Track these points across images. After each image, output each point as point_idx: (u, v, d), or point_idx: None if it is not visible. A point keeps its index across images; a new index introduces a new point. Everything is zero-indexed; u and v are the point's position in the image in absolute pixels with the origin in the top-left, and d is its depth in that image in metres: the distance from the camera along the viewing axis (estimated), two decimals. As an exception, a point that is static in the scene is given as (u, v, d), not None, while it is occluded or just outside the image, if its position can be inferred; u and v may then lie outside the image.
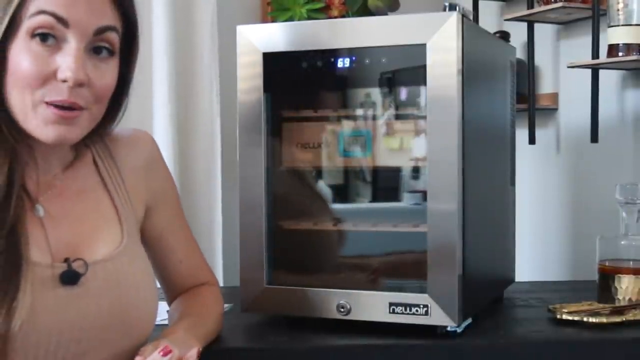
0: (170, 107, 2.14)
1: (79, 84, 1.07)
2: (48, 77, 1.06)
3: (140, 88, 2.15)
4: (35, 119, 1.07)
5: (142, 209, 1.26)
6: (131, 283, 1.14)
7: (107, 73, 1.12)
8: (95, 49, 1.10)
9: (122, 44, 1.14)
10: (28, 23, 1.05)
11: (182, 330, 1.18)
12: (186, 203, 2.17)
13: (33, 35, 1.06)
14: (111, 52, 1.12)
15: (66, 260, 1.09)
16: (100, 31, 1.09)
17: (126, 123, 2.23)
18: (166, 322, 1.32)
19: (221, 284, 2.14)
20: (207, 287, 1.35)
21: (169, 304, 1.35)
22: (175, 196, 1.34)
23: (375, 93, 1.45)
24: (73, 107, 1.08)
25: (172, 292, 1.34)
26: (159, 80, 2.14)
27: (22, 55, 1.06)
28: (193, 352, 1.10)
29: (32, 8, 1.05)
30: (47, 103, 1.07)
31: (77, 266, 1.10)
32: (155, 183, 1.28)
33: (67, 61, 1.06)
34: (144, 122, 2.14)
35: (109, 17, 1.11)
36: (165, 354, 1.07)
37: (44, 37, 1.06)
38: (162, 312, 1.36)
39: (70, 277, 1.09)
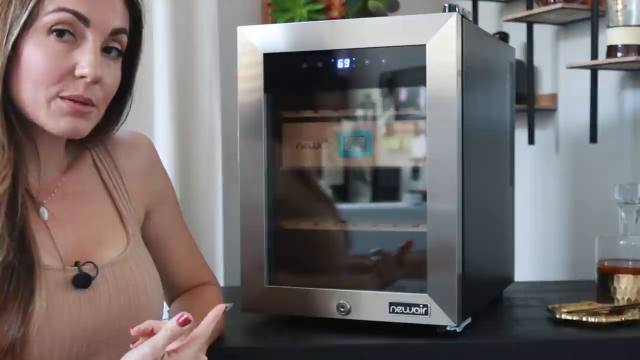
0: (171, 107, 2.14)
1: (95, 81, 1.08)
2: (65, 74, 1.07)
3: (141, 89, 2.16)
4: (49, 112, 1.07)
5: (142, 211, 1.26)
6: (139, 285, 1.15)
7: (115, 73, 1.13)
8: (106, 48, 1.11)
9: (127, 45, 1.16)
10: (46, 19, 1.05)
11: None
12: (187, 203, 2.18)
13: (50, 31, 1.06)
14: (119, 53, 1.13)
15: (76, 263, 1.10)
16: (116, 32, 1.11)
17: (127, 124, 2.22)
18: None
19: (222, 284, 2.15)
20: (208, 287, 1.36)
21: (169, 304, 1.35)
22: (174, 198, 1.34)
23: (375, 94, 1.46)
24: (87, 103, 1.08)
25: (173, 292, 1.35)
26: (159, 81, 2.14)
27: (38, 51, 1.05)
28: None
29: (50, 5, 1.05)
30: (61, 98, 1.07)
31: (87, 269, 1.10)
32: (154, 185, 1.29)
33: (86, 58, 1.07)
34: (145, 123, 2.14)
35: (124, 19, 1.13)
36: (183, 324, 1.01)
37: (60, 33, 1.06)
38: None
39: (82, 281, 1.09)
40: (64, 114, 1.07)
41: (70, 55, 1.07)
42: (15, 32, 1.04)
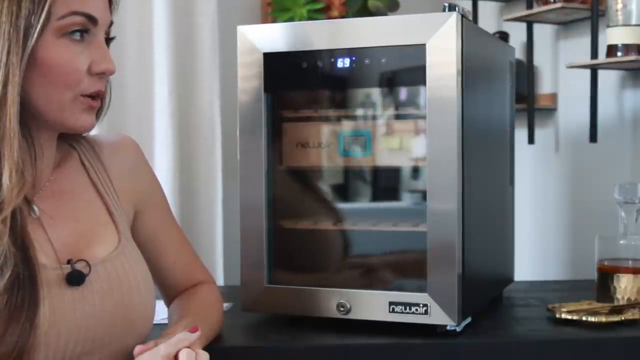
0: (171, 107, 2.14)
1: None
2: (85, 73, 1.10)
3: (140, 88, 2.17)
4: (72, 111, 1.11)
5: (131, 211, 1.26)
6: (132, 283, 1.15)
7: None
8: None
9: None
10: (59, 23, 1.07)
11: (183, 329, 1.18)
12: (186, 203, 2.18)
13: (63, 34, 1.08)
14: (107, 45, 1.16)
15: (69, 261, 1.10)
16: (110, 25, 1.15)
17: (126, 123, 2.23)
18: (166, 321, 1.32)
19: (222, 284, 2.15)
20: (205, 286, 1.36)
21: (167, 305, 1.35)
22: (163, 198, 1.34)
23: (375, 93, 1.46)
24: (97, 97, 1.13)
25: (170, 293, 1.35)
26: (159, 80, 2.14)
27: (58, 55, 1.07)
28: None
29: (61, 9, 1.07)
30: (82, 96, 1.11)
31: (80, 267, 1.10)
32: (142, 186, 1.29)
33: (102, 54, 1.11)
34: (145, 122, 2.14)
35: (109, 11, 1.16)
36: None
37: (74, 34, 1.09)
38: (161, 311, 1.37)
39: (76, 278, 1.09)
40: (84, 111, 1.12)
41: (84, 54, 1.10)
42: (33, 39, 1.05)
